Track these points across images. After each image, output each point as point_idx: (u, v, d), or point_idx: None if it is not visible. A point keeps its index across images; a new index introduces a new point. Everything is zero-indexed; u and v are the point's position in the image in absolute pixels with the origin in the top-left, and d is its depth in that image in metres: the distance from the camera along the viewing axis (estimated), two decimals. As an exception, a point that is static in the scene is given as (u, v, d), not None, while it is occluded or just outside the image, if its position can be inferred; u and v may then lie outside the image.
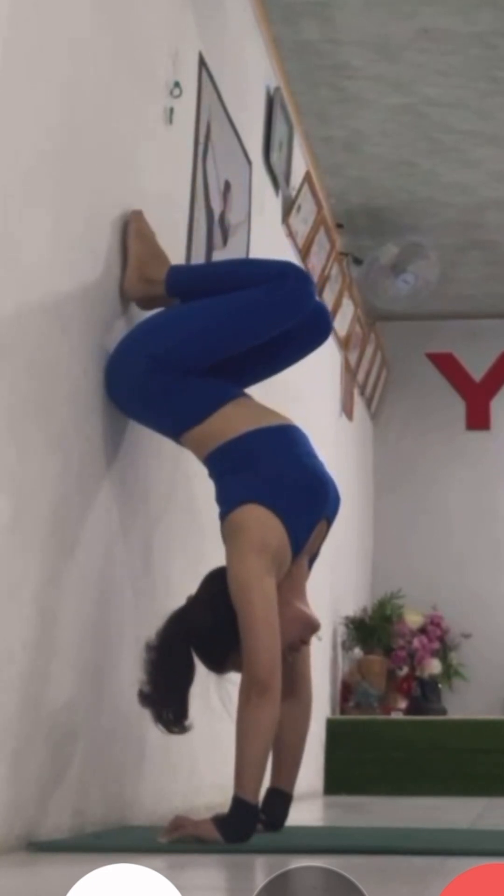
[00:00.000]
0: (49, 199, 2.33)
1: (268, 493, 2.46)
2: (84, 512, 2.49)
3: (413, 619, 6.42)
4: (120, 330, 2.70)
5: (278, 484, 2.49)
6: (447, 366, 7.36)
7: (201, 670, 2.46)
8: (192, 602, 2.49)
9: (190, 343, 2.63)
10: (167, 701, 2.38)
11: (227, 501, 2.51)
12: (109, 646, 2.61)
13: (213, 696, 2.48)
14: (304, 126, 5.11)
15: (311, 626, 2.57)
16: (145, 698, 2.39)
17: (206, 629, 2.43)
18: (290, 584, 2.52)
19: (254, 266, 2.99)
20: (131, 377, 2.61)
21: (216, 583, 2.45)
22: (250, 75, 4.20)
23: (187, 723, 2.39)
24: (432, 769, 5.50)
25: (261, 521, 2.43)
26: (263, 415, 2.64)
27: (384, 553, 7.13)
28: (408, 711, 6.13)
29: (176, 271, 2.79)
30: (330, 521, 2.63)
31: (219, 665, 2.46)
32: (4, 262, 2.13)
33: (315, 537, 2.58)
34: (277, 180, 4.60)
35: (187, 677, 2.40)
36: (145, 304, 2.82)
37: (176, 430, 2.65)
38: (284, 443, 2.59)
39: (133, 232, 2.79)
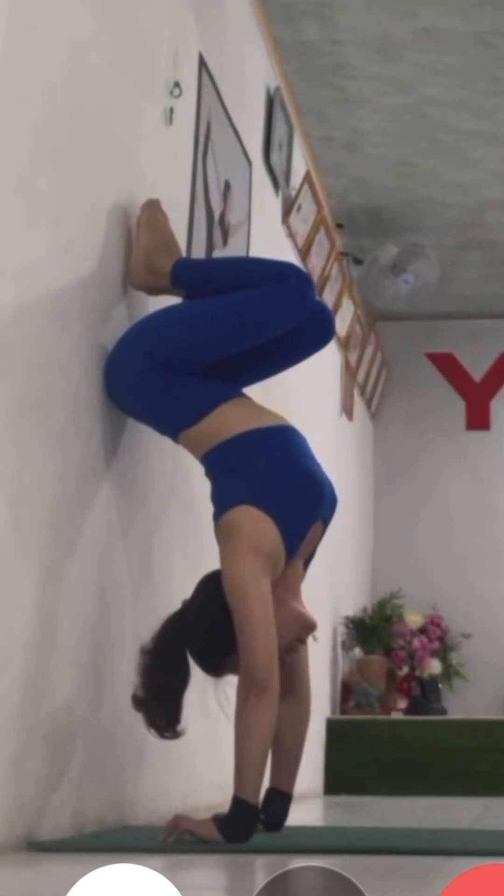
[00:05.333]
0: (49, 199, 2.33)
1: (263, 495, 2.46)
2: (84, 512, 2.49)
3: (413, 619, 6.41)
4: (120, 330, 2.70)
5: (274, 485, 2.49)
6: (447, 366, 7.36)
7: (199, 673, 2.45)
8: (188, 606, 2.48)
9: (187, 343, 2.63)
10: (161, 706, 2.37)
11: (222, 502, 2.50)
12: (109, 645, 2.61)
13: (208, 696, 2.47)
14: (304, 126, 5.11)
15: (308, 626, 2.56)
16: (139, 702, 2.38)
17: (201, 633, 2.42)
18: (286, 586, 2.52)
19: (257, 265, 2.99)
20: (129, 376, 2.61)
21: (211, 586, 2.45)
22: (250, 75, 4.20)
23: (180, 728, 2.38)
24: (432, 769, 5.50)
25: (255, 523, 2.43)
26: (261, 415, 2.64)
27: (384, 553, 7.13)
28: (408, 711, 6.13)
29: (181, 264, 2.80)
30: (326, 522, 2.63)
31: (215, 668, 2.45)
32: (5, 262, 2.13)
33: (310, 539, 2.58)
34: (277, 180, 4.60)
35: (182, 682, 2.39)
36: (152, 293, 2.83)
37: (173, 429, 2.65)
38: (281, 444, 2.59)
39: (144, 221, 2.80)
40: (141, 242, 2.79)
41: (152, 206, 2.84)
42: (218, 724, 2.54)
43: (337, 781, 5.52)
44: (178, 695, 2.38)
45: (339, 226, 5.93)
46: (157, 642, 2.40)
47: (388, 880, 1.83)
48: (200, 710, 2.49)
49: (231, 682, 2.44)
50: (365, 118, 5.10)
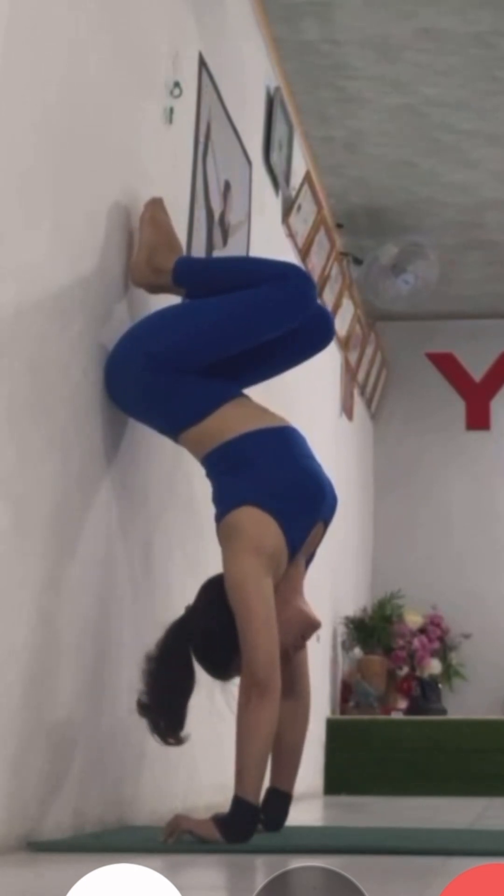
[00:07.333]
0: (49, 199, 2.33)
1: (264, 496, 2.46)
2: (84, 512, 2.49)
3: (413, 619, 6.42)
4: (121, 330, 2.70)
5: (275, 486, 2.49)
6: (447, 366, 7.36)
7: (204, 673, 2.45)
8: (191, 611, 2.47)
9: (188, 343, 2.63)
10: (165, 712, 2.36)
11: (224, 503, 2.50)
12: (109, 646, 2.61)
13: (216, 698, 2.47)
14: (304, 126, 5.11)
15: (311, 625, 2.57)
16: (143, 708, 2.38)
17: (206, 637, 2.42)
18: (288, 586, 2.52)
19: (258, 265, 2.99)
20: (130, 375, 2.61)
21: (214, 590, 2.45)
22: (250, 75, 4.20)
23: (183, 734, 2.38)
24: (432, 769, 5.50)
25: (257, 524, 2.43)
26: (262, 416, 2.64)
27: (384, 553, 7.13)
28: (408, 711, 6.13)
29: (183, 262, 2.80)
30: (326, 523, 2.63)
31: (222, 672, 2.45)
32: (5, 262, 2.13)
33: (311, 539, 2.58)
34: (277, 180, 4.60)
35: (187, 688, 2.39)
36: (153, 290, 2.83)
37: (174, 429, 2.65)
38: (282, 445, 2.59)
39: (147, 219, 2.80)
40: (144, 239, 2.79)
41: (155, 204, 2.84)
42: (219, 725, 2.54)
43: (337, 781, 5.52)
44: (182, 701, 2.37)
45: (339, 226, 5.93)
46: (161, 648, 2.39)
47: (388, 880, 1.83)
48: (201, 710, 2.49)
49: (235, 680, 2.44)
50: (365, 118, 5.10)
